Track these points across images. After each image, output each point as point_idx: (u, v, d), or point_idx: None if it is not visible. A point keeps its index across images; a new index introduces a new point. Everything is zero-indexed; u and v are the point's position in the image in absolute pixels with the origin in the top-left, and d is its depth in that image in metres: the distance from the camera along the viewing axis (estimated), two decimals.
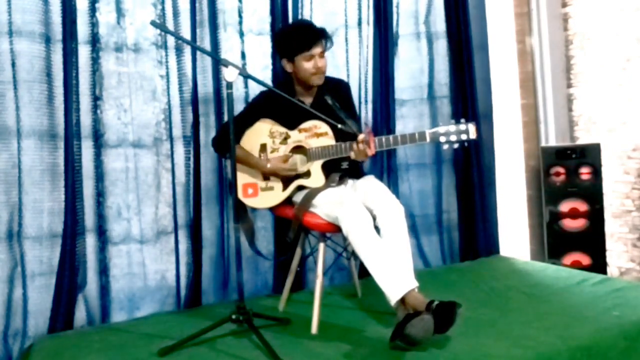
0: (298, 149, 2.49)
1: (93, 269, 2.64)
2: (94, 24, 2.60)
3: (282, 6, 2.93)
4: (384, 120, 3.18)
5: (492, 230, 3.47)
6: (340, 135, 2.40)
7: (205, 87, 2.81)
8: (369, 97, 3.19)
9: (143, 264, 2.74)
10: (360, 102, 3.14)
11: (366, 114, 3.17)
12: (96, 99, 2.62)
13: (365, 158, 2.34)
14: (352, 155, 2.34)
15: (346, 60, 3.13)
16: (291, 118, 2.48)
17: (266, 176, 2.52)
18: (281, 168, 2.46)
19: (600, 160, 3.46)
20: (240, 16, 2.89)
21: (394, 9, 3.24)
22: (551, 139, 3.80)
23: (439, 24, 3.37)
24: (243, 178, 2.52)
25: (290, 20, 2.96)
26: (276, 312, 2.56)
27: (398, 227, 2.24)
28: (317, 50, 2.44)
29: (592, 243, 3.44)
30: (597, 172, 3.46)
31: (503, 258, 3.41)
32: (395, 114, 3.22)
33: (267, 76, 2.93)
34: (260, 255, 2.77)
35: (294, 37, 2.45)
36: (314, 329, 2.28)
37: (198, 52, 2.75)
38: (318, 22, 3.02)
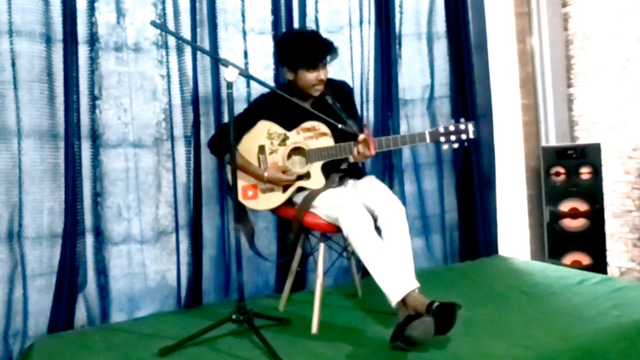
0: (297, 151, 2.48)
1: (93, 269, 2.64)
2: (94, 24, 2.60)
3: (286, 5, 2.93)
4: (386, 119, 3.18)
5: (492, 230, 3.47)
6: (340, 136, 2.38)
7: (206, 87, 2.80)
8: (370, 97, 3.18)
9: (143, 264, 2.74)
10: (362, 102, 3.14)
11: (368, 113, 3.17)
12: (96, 98, 2.62)
13: (364, 159, 2.34)
14: (351, 158, 2.34)
15: (350, 59, 3.12)
16: (291, 119, 2.46)
17: None
18: (278, 179, 2.43)
19: (600, 160, 3.46)
20: (242, 15, 2.89)
21: (397, 9, 3.24)
22: (551, 138, 3.80)
23: (440, 23, 3.37)
24: (243, 180, 2.50)
25: (295, 19, 2.94)
26: (276, 312, 2.56)
27: (399, 228, 2.24)
28: (321, 63, 2.40)
29: (592, 243, 3.44)
30: (597, 172, 3.46)
31: (503, 258, 3.41)
32: (399, 113, 3.22)
33: (269, 75, 2.93)
34: (260, 256, 2.76)
35: (299, 51, 2.38)
36: (314, 329, 2.28)
37: (198, 52, 2.74)
38: (323, 21, 3.03)
